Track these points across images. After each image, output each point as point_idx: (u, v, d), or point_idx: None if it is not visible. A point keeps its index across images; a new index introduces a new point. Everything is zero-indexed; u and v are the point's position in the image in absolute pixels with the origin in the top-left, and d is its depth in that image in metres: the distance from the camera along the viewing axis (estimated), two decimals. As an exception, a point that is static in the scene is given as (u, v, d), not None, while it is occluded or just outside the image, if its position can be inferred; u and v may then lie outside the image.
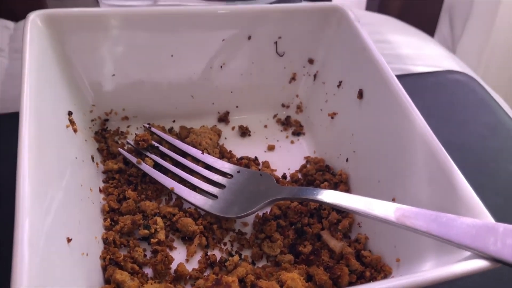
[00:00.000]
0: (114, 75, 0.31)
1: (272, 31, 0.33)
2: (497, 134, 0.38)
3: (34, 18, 0.28)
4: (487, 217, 0.21)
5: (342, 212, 0.28)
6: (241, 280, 0.24)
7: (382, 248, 0.26)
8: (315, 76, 0.34)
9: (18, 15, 0.53)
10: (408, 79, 0.43)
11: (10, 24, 0.50)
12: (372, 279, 0.25)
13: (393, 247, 0.25)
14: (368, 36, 0.31)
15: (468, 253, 0.20)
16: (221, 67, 0.33)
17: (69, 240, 0.22)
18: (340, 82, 0.32)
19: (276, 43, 0.34)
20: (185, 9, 0.31)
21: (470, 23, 0.63)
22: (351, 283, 0.25)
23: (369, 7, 0.64)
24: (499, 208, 0.24)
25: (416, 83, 0.42)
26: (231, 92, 0.34)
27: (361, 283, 0.25)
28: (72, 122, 0.27)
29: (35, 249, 0.18)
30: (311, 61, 0.35)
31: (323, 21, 0.33)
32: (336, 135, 0.32)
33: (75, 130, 0.27)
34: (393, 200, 0.26)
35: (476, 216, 0.21)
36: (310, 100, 0.35)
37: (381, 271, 0.25)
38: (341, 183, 0.30)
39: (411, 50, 0.49)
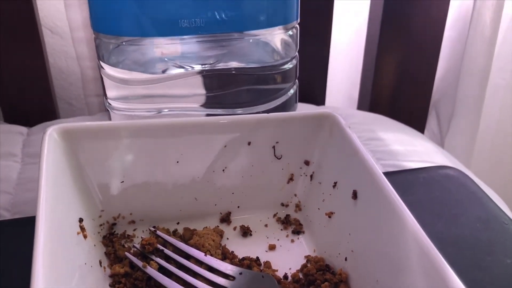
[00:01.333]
0: (123, 181, 0.33)
1: (270, 137, 0.36)
2: (490, 227, 0.39)
3: (52, 132, 0.30)
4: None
5: (343, 312, 0.29)
6: None
7: None
8: (311, 176, 0.36)
9: (31, 121, 0.57)
10: (401, 176, 0.46)
11: (23, 129, 0.53)
12: None
13: None
14: (359, 141, 0.33)
15: None
16: (223, 170, 0.36)
17: None
18: (335, 183, 0.34)
19: (274, 147, 0.36)
20: (190, 120, 0.34)
21: (455, 122, 0.67)
22: None
23: (361, 106, 0.68)
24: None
25: (408, 179, 0.44)
26: (233, 193, 0.36)
27: None
28: (82, 229, 0.29)
29: None
30: (307, 163, 0.37)
31: (317, 126, 0.36)
32: (334, 234, 0.33)
33: (85, 236, 0.29)
34: (392, 299, 0.26)
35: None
36: (308, 200, 0.37)
37: None
38: (341, 283, 0.31)
39: (403, 146, 0.52)
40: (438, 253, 0.25)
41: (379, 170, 0.31)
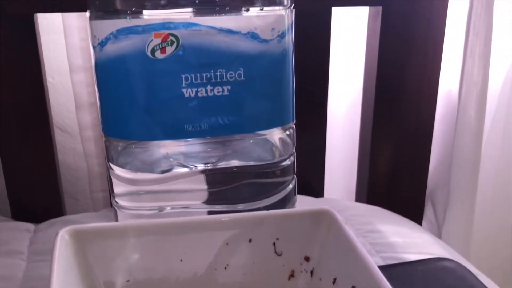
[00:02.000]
0: (128, 280, 0.34)
1: (270, 233, 0.37)
2: (491, 321, 0.39)
3: (63, 234, 0.32)
4: None
5: None
6: None
7: None
8: (312, 272, 0.37)
9: (38, 216, 0.58)
10: (400, 268, 0.46)
11: (30, 226, 0.55)
12: None
13: None
14: (355, 237, 0.34)
15: None
16: (225, 268, 0.37)
17: None
18: (335, 279, 0.35)
19: (274, 243, 0.38)
20: (193, 219, 0.36)
21: (450, 210, 0.68)
22: None
23: (359, 196, 0.70)
24: None
25: (407, 271, 0.45)
26: (235, 290, 0.37)
27: None
28: (88, 330, 0.29)
29: None
30: (307, 259, 0.38)
31: (315, 223, 0.37)
32: (336, 331, 0.33)
33: (90, 338, 0.29)
34: None
35: None
36: (309, 296, 0.37)
37: None
38: None
39: (401, 238, 0.53)
40: None
41: (376, 267, 0.32)
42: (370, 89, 0.67)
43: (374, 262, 0.32)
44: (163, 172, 0.43)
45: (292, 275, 0.38)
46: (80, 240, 0.33)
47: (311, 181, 0.68)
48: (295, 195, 0.51)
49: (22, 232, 0.53)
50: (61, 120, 0.68)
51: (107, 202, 0.68)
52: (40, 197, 0.62)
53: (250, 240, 0.37)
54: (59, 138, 0.66)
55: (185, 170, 0.43)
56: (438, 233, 0.72)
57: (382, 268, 0.32)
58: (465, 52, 0.65)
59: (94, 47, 0.41)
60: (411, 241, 0.52)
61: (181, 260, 0.36)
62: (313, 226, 0.38)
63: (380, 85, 0.65)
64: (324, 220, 0.37)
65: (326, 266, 0.36)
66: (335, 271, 0.35)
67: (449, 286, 0.43)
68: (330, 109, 0.66)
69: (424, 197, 0.70)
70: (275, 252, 0.38)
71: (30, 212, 0.61)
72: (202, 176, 0.44)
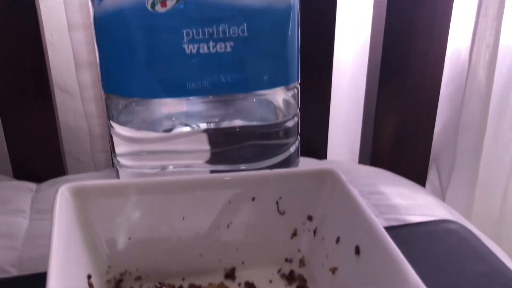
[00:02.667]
0: (130, 238, 0.34)
1: (274, 192, 0.37)
2: (493, 282, 0.39)
3: (64, 190, 0.31)
4: None
5: None
6: None
7: None
8: (314, 231, 0.37)
9: (40, 175, 0.58)
10: (403, 230, 0.46)
11: (32, 186, 0.55)
12: None
13: None
14: (360, 196, 0.34)
15: None
16: (228, 226, 0.36)
17: None
18: (338, 238, 0.34)
19: (277, 202, 0.37)
20: (196, 177, 0.36)
21: (455, 175, 0.68)
22: None
23: (362, 160, 0.69)
24: None
25: (410, 233, 0.45)
26: (237, 248, 0.37)
27: None
28: (91, 285, 0.29)
29: None
30: (310, 218, 0.38)
31: (318, 182, 0.37)
32: (338, 289, 0.33)
33: (92, 293, 0.29)
34: None
35: None
36: (312, 255, 0.37)
37: None
38: None
39: (404, 200, 0.52)
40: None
41: (380, 225, 0.32)
42: (376, 48, 0.65)
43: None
44: (165, 131, 0.43)
45: (295, 234, 0.38)
46: (81, 198, 0.32)
47: (315, 143, 0.67)
48: (298, 156, 0.50)
49: (24, 191, 0.53)
50: (61, 80, 0.67)
51: (109, 163, 0.68)
52: (41, 157, 0.61)
53: (253, 199, 0.37)
54: (59, 98, 0.65)
55: (187, 129, 0.43)
56: (441, 197, 0.72)
57: (385, 229, 0.31)
58: (478, 13, 0.63)
59: (92, 1, 0.39)
60: (414, 203, 0.52)
61: (183, 218, 0.35)
62: (317, 185, 0.37)
63: (387, 44, 0.64)
64: (327, 180, 0.37)
65: (329, 226, 0.36)
66: (338, 230, 0.35)
67: (452, 248, 0.43)
68: (335, 68, 0.65)
69: (428, 161, 0.70)
70: (278, 211, 0.38)
71: (31, 172, 0.60)
72: (205, 136, 0.44)
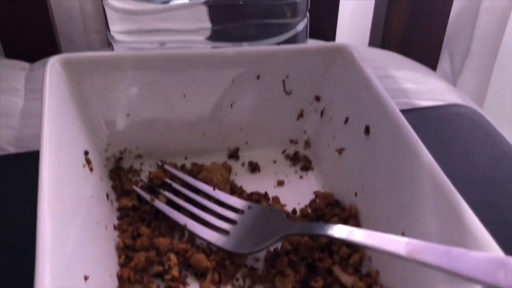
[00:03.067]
0: (128, 115, 0.32)
1: (280, 71, 0.34)
2: (502, 165, 0.39)
3: (54, 62, 0.29)
4: (497, 250, 0.22)
5: (353, 246, 0.29)
6: (255, 316, 0.24)
7: (393, 282, 0.26)
8: (322, 112, 0.35)
9: (33, 56, 0.55)
10: (412, 114, 0.44)
11: (26, 65, 0.52)
12: (385, 313, 0.25)
13: (404, 281, 0.25)
14: (373, 74, 0.32)
15: (478, 287, 0.21)
16: (231, 105, 0.34)
17: (86, 278, 0.22)
18: (347, 119, 0.33)
19: (283, 81, 0.35)
20: (196, 52, 0.33)
21: (470, 60, 0.65)
22: (363, 318, 0.25)
23: (372, 43, 0.66)
24: (508, 240, 0.24)
25: (419, 117, 0.43)
26: (241, 129, 0.35)
27: (374, 317, 0.25)
28: (88, 161, 0.28)
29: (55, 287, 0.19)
30: (317, 98, 0.36)
31: (329, 60, 0.34)
32: (344, 170, 0.32)
33: (91, 169, 0.28)
34: (403, 234, 0.26)
35: (485, 249, 0.22)
36: (318, 136, 0.36)
37: (393, 305, 0.25)
38: (351, 218, 0.30)
39: (414, 84, 0.50)
40: (453, 188, 0.24)
41: (393, 104, 0.30)
42: None
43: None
44: (162, 2, 0.39)
45: (301, 115, 0.36)
46: (74, 70, 0.30)
47: (323, 25, 0.63)
48: (306, 37, 0.47)
49: (17, 70, 0.50)
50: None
51: (105, 44, 0.65)
52: (33, 37, 0.58)
53: (258, 77, 0.34)
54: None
55: (185, 0, 0.39)
56: (452, 84, 0.69)
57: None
58: None
59: None
60: (425, 88, 0.50)
61: (184, 96, 0.33)
62: (327, 63, 0.35)
63: None
64: (339, 57, 0.34)
65: (338, 106, 0.34)
66: (347, 110, 0.33)
67: (463, 132, 0.42)
68: None
69: (441, 46, 0.66)
70: (284, 90, 0.35)
71: (24, 52, 0.57)
72: (205, 10, 0.40)
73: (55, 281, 0.19)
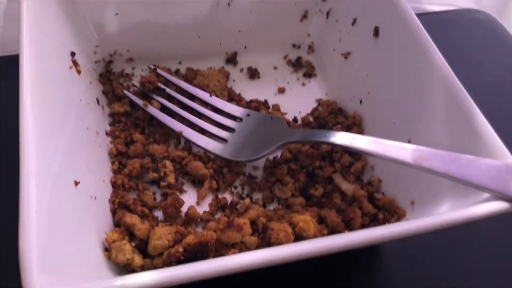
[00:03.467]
0: (117, 14, 0.30)
1: (282, -35, 0.31)
2: (515, 75, 0.37)
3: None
4: (508, 158, 0.20)
5: (355, 155, 0.28)
6: (253, 223, 0.24)
7: (396, 190, 0.26)
8: (328, 13, 0.33)
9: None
10: (423, 19, 0.41)
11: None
12: (386, 221, 0.24)
13: (408, 190, 0.25)
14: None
15: (487, 195, 0.20)
16: (229, 4, 0.32)
17: (76, 183, 0.21)
18: (355, 20, 0.30)
19: (286, -22, 0.32)
20: None
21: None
22: (363, 226, 0.25)
23: None
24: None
25: (431, 22, 0.40)
26: (239, 31, 0.33)
27: (374, 225, 0.24)
28: (75, 63, 0.26)
29: (42, 193, 0.18)
30: (323, -2, 0.33)
31: (337, -47, 0.31)
32: (350, 76, 0.30)
33: (78, 72, 0.26)
34: (409, 142, 0.25)
35: (496, 157, 0.20)
36: (323, 40, 0.33)
37: (394, 213, 0.25)
38: (354, 126, 0.29)
39: (426, -12, 0.46)
40: (466, 94, 0.23)
41: (406, 3, 0.27)
42: None
43: None
44: None
45: (305, 16, 0.33)
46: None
47: None
48: None
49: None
50: None
51: None
52: None
53: (258, -28, 0.31)
54: None
55: None
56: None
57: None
58: None
59: None
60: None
61: (176, -7, 0.30)
62: (334, -43, 0.31)
63: None
64: (348, -50, 0.31)
65: (345, 6, 0.31)
66: (355, 10, 0.30)
67: (477, 38, 0.39)
68: None
69: None
70: (287, -12, 0.32)
71: None
72: None
73: (41, 185, 0.18)
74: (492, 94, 0.35)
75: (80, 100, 0.25)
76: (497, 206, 0.19)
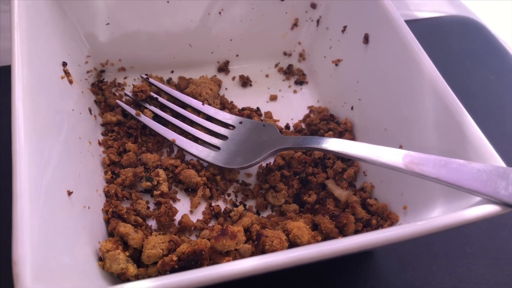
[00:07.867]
0: (108, 23, 0.30)
1: (273, -26, 0.32)
2: (503, 79, 0.37)
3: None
4: (498, 162, 0.21)
5: (347, 161, 0.28)
6: (247, 230, 0.24)
7: (389, 196, 0.26)
8: (318, 21, 0.33)
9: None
10: (413, 25, 0.42)
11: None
12: (379, 227, 0.25)
13: (400, 195, 0.25)
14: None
15: (478, 199, 0.20)
16: (220, 13, 0.32)
17: (69, 193, 0.21)
18: (345, 27, 0.31)
19: (276, -13, 0.32)
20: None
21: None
22: (357, 231, 0.25)
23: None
24: (507, 153, 0.23)
25: (421, 28, 0.41)
26: (231, 40, 0.33)
27: (367, 231, 0.25)
28: (67, 73, 0.26)
29: (35, 203, 0.18)
30: (313, 6, 0.33)
31: (326, -38, 0.31)
32: (341, 82, 0.31)
33: (70, 82, 0.26)
34: (400, 147, 0.25)
35: (486, 161, 0.21)
36: (313, 47, 0.34)
37: (387, 219, 0.25)
38: (346, 132, 0.29)
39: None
40: (456, 99, 0.23)
41: (395, 10, 0.28)
42: None
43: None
44: None
45: (295, 25, 0.34)
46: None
47: None
48: None
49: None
50: None
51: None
52: None
53: (248, -19, 0.32)
54: None
55: None
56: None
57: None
58: None
59: None
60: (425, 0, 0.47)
61: (167, 2, 0.30)
62: (324, -34, 0.32)
63: None
64: (337, -41, 0.31)
65: (335, 14, 0.32)
66: (345, 18, 0.31)
67: (465, 44, 0.40)
68: None
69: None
70: (278, -3, 0.33)
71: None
72: None
73: (34, 195, 0.18)
74: (481, 99, 0.35)
75: (72, 110, 0.25)
76: (488, 209, 0.19)
